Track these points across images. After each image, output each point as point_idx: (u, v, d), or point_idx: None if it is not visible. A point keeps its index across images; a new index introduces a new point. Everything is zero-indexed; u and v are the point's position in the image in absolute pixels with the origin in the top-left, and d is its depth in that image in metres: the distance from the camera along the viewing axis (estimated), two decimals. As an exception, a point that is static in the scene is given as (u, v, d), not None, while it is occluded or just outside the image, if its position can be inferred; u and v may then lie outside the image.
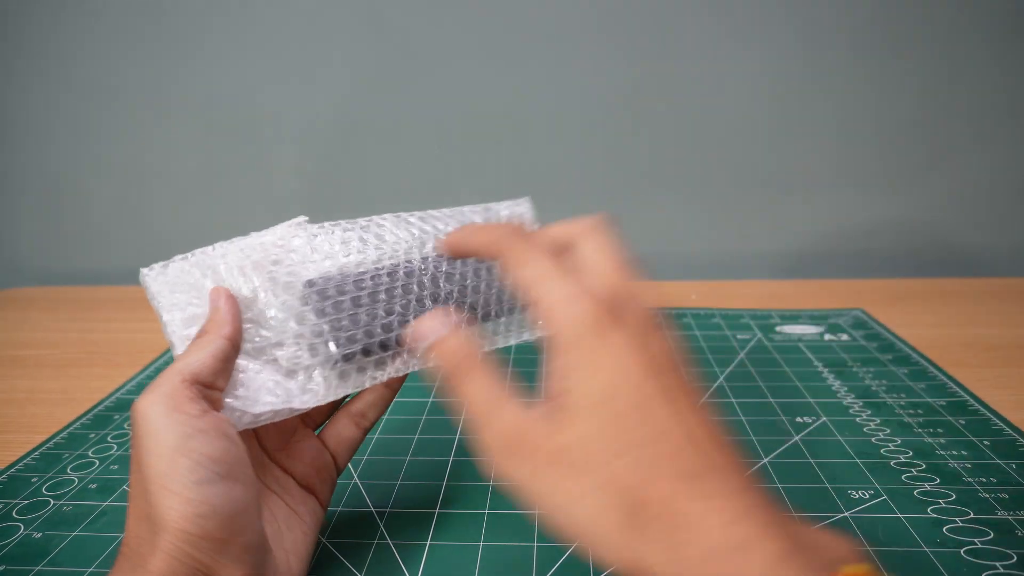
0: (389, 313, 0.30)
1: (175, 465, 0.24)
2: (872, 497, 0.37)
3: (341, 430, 0.34)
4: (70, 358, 0.58)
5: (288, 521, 0.30)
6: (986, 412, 0.45)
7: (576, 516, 0.22)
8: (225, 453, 0.26)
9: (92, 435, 0.45)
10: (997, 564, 0.31)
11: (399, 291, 0.31)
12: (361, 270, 0.32)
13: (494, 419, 0.24)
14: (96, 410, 0.49)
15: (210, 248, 0.32)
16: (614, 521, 0.21)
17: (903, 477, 0.38)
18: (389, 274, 0.32)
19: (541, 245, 0.27)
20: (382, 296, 0.31)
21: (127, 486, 0.39)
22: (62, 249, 0.81)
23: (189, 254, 0.31)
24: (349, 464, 0.41)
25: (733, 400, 0.47)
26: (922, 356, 0.54)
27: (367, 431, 0.34)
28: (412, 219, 0.35)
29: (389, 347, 0.30)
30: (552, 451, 0.22)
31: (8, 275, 0.83)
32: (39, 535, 0.35)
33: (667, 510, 0.21)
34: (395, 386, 0.34)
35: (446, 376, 0.26)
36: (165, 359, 0.57)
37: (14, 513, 0.37)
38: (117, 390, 0.52)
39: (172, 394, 0.26)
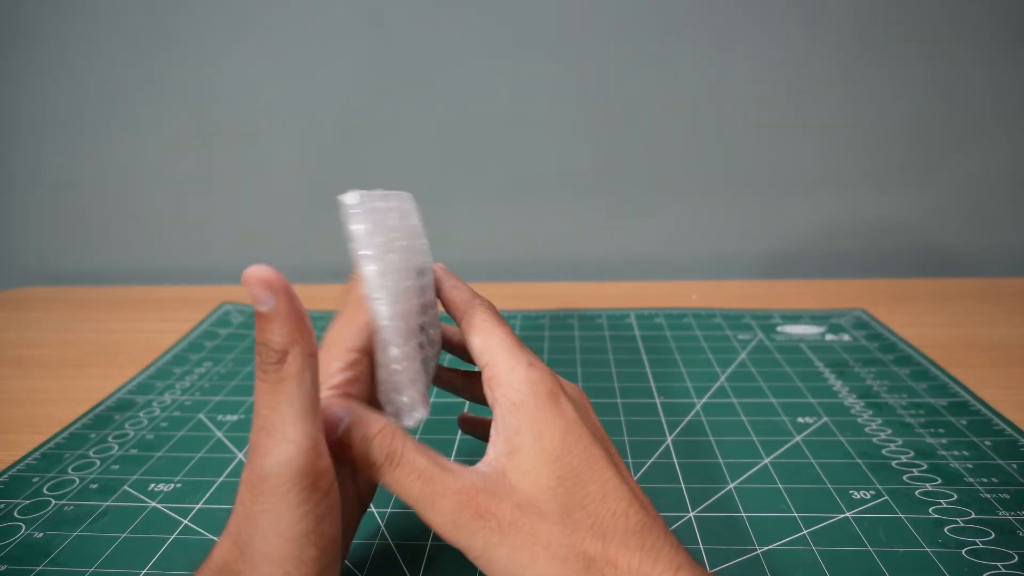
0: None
1: (302, 553, 0.21)
2: (873, 497, 0.37)
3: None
4: (70, 358, 0.58)
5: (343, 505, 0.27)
6: (988, 412, 0.45)
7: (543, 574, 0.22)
8: (341, 526, 0.23)
9: (93, 435, 0.45)
10: (999, 564, 0.31)
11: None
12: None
13: (438, 495, 0.23)
14: (97, 410, 0.49)
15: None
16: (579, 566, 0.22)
17: (904, 477, 0.38)
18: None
19: (498, 315, 0.29)
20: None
21: (128, 486, 0.39)
22: (62, 249, 0.81)
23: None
24: (350, 464, 0.41)
25: (734, 400, 0.47)
26: (924, 356, 0.54)
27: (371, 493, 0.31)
28: None
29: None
30: (507, 515, 0.23)
31: (8, 275, 0.83)
32: (40, 535, 0.35)
33: (617, 564, 0.22)
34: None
35: (366, 466, 0.24)
36: (165, 359, 0.57)
37: (15, 513, 0.37)
38: (117, 390, 0.52)
39: (317, 456, 0.21)
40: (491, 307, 0.29)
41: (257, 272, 0.21)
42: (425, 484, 0.23)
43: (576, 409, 0.26)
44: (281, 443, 0.21)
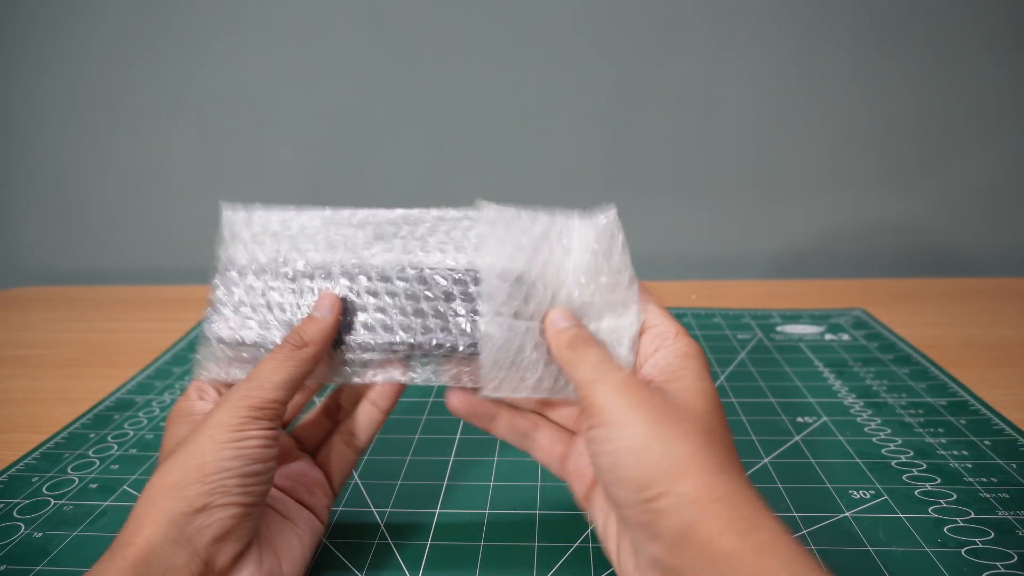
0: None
1: (223, 451, 0.27)
2: (873, 497, 0.37)
3: (333, 449, 0.34)
4: (70, 358, 0.58)
5: (279, 525, 0.30)
6: (987, 412, 0.45)
7: (672, 451, 0.24)
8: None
9: (92, 435, 0.45)
10: (998, 564, 0.31)
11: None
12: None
13: (614, 372, 0.27)
14: (96, 410, 0.49)
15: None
16: (713, 466, 0.24)
17: (904, 477, 0.38)
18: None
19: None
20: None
21: (128, 486, 0.39)
22: (62, 249, 0.81)
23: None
24: (349, 464, 0.41)
25: (734, 400, 0.47)
26: (923, 356, 0.54)
27: (360, 452, 0.34)
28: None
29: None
30: (663, 403, 0.26)
31: (8, 275, 0.83)
32: (39, 535, 0.35)
33: (741, 478, 0.25)
34: (386, 407, 0.33)
35: (568, 345, 0.29)
36: (165, 359, 0.57)
37: (15, 513, 0.37)
38: (117, 390, 0.52)
39: (273, 406, 0.29)
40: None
41: (330, 296, 0.32)
42: (605, 362, 0.28)
43: None
44: (256, 386, 0.29)
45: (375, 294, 0.32)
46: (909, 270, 0.77)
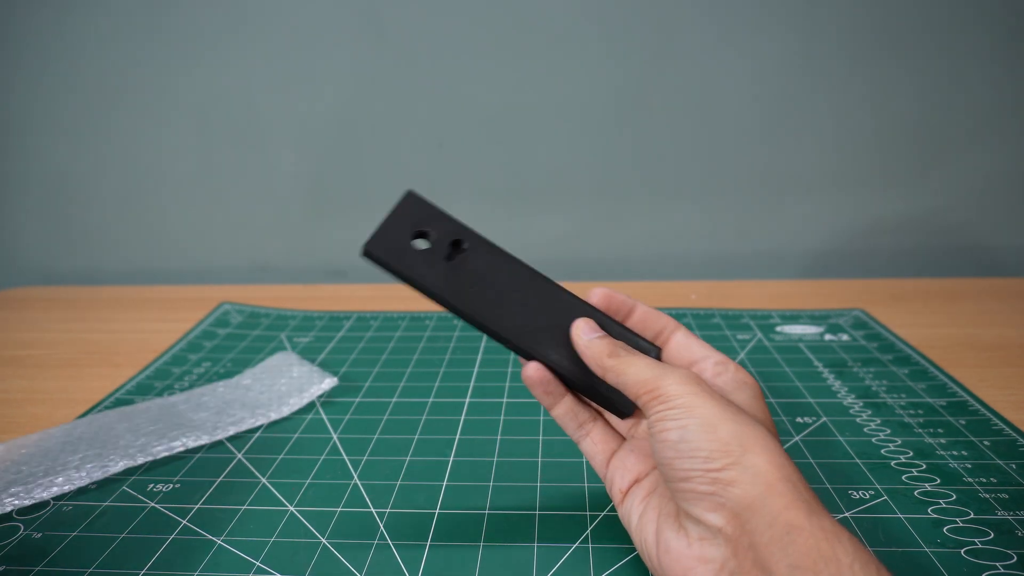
0: None
1: None
2: (873, 497, 0.37)
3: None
4: (70, 358, 0.58)
5: None
6: (986, 412, 0.45)
7: (742, 429, 0.26)
8: None
9: (92, 435, 0.45)
10: (997, 564, 0.31)
11: None
12: None
13: (678, 368, 0.29)
14: (96, 410, 0.49)
15: None
16: (780, 451, 0.26)
17: (903, 477, 0.38)
18: None
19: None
20: None
21: (127, 486, 0.39)
22: (62, 249, 0.81)
23: None
24: (349, 464, 0.41)
25: (733, 400, 0.47)
26: (922, 356, 0.54)
27: None
28: None
29: None
30: (727, 401, 0.28)
31: (8, 275, 0.83)
32: (39, 535, 0.35)
33: (803, 487, 0.25)
34: None
35: (611, 355, 0.30)
36: (164, 359, 0.57)
37: (14, 513, 0.37)
38: (117, 390, 0.52)
39: None
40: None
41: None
42: (654, 367, 0.29)
43: None
44: None
45: None
46: (909, 270, 0.77)
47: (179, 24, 0.71)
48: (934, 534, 0.34)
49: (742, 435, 0.26)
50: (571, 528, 0.35)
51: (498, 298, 0.32)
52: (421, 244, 0.32)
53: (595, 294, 0.34)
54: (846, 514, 0.35)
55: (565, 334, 0.32)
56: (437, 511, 0.37)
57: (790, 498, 0.24)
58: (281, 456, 0.42)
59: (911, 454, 0.41)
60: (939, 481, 0.38)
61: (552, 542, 0.34)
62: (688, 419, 0.26)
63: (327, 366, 0.54)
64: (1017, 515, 0.35)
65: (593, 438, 0.33)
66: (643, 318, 0.35)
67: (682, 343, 0.34)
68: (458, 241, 0.33)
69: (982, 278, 0.74)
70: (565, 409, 0.33)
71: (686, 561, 0.26)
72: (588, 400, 0.34)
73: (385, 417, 0.47)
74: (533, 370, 0.33)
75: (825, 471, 0.39)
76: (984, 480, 0.38)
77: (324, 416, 0.47)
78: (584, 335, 0.31)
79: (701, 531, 0.26)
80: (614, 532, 0.34)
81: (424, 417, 0.46)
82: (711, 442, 0.26)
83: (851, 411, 0.46)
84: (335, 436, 0.44)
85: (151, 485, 0.39)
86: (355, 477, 0.40)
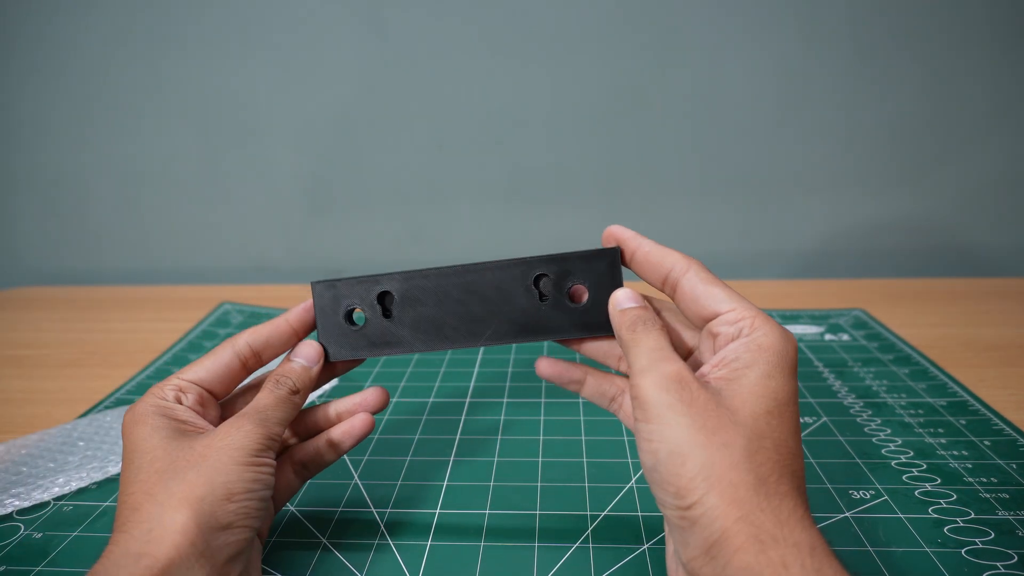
0: None
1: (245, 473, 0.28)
2: (873, 497, 0.37)
3: (280, 475, 0.33)
4: (69, 358, 0.58)
5: None
6: (987, 412, 0.45)
7: (711, 459, 0.24)
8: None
9: (92, 435, 0.45)
10: (998, 564, 0.31)
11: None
12: None
13: (665, 364, 0.27)
14: (95, 410, 0.48)
15: None
16: (748, 481, 0.24)
17: (904, 477, 0.38)
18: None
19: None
20: None
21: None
22: (62, 249, 0.81)
23: None
24: (349, 464, 0.41)
25: (733, 400, 0.47)
26: (923, 356, 0.54)
27: (305, 480, 0.34)
28: None
29: None
30: (714, 403, 0.25)
31: (8, 275, 0.83)
32: (39, 535, 0.35)
33: (784, 496, 0.24)
34: (342, 451, 0.34)
35: (629, 327, 0.29)
36: (164, 359, 0.57)
37: (14, 513, 0.37)
38: (116, 390, 0.51)
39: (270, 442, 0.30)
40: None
41: (314, 345, 0.33)
42: (661, 352, 0.27)
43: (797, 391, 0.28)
44: (264, 419, 0.30)
45: None
46: (909, 270, 0.77)
47: (179, 24, 0.71)
48: (935, 534, 0.34)
49: (709, 467, 0.24)
50: (571, 528, 0.35)
51: (453, 314, 0.32)
52: (359, 321, 0.34)
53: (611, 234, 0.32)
54: (847, 514, 0.35)
55: (531, 299, 0.32)
56: (437, 511, 0.37)
57: (742, 539, 0.23)
58: (281, 456, 0.42)
59: (911, 454, 0.41)
60: (940, 481, 0.38)
61: (552, 542, 0.34)
62: (660, 443, 0.25)
63: (327, 366, 0.54)
64: (1018, 515, 0.35)
65: (626, 410, 0.33)
66: (644, 261, 0.31)
67: (688, 294, 0.29)
68: (382, 294, 0.33)
69: (982, 278, 0.74)
70: (591, 390, 0.33)
71: None
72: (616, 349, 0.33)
73: (385, 417, 0.46)
74: (545, 367, 0.33)
75: (825, 471, 0.39)
76: (985, 480, 0.38)
77: (324, 416, 0.47)
78: (619, 304, 0.30)
79: (682, 560, 0.25)
80: (614, 532, 0.34)
81: (424, 417, 0.46)
82: (678, 477, 0.24)
83: (851, 411, 0.46)
84: (335, 436, 0.44)
85: (151, 485, 0.39)
86: (355, 477, 0.40)
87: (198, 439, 0.28)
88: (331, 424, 0.34)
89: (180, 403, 0.30)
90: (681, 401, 0.25)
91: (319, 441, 0.34)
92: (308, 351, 0.33)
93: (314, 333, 0.34)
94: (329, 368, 0.34)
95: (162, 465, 0.27)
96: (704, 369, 0.28)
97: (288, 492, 0.33)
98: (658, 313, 0.31)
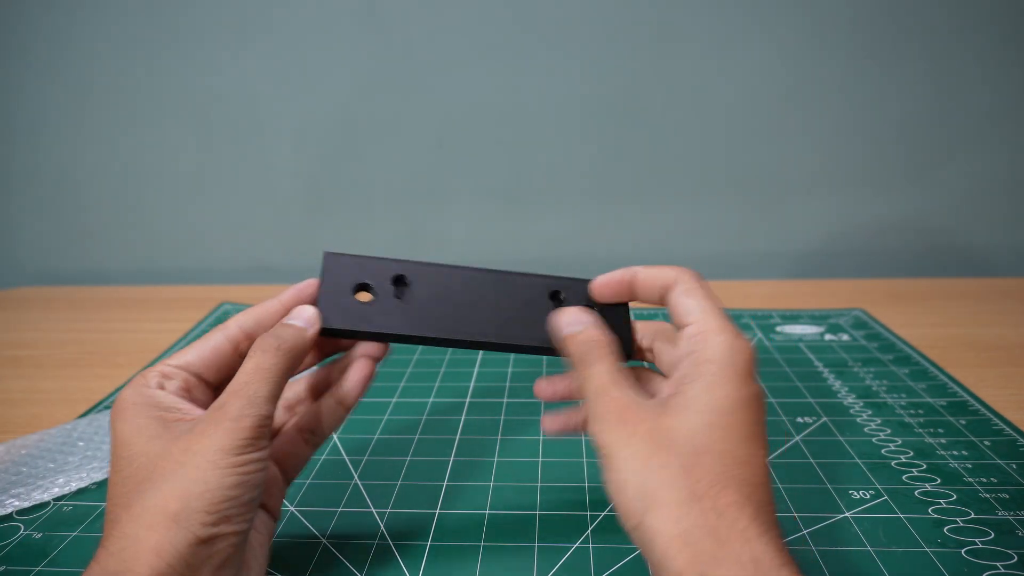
0: None
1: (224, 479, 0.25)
2: (873, 497, 0.37)
3: (289, 446, 0.32)
4: (69, 358, 0.58)
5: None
6: (986, 412, 0.45)
7: (646, 482, 0.24)
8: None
9: (92, 435, 0.45)
10: (998, 564, 0.31)
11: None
12: None
13: (613, 392, 0.27)
14: (95, 410, 0.48)
15: None
16: (682, 499, 0.24)
17: (904, 477, 0.38)
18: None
19: (707, 284, 0.31)
20: None
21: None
22: (62, 249, 0.81)
23: None
24: (349, 464, 0.41)
25: (733, 400, 0.47)
26: (923, 356, 0.54)
27: (316, 448, 0.33)
28: None
29: None
30: (653, 427, 0.26)
31: (8, 275, 0.83)
32: (39, 535, 0.35)
33: (724, 514, 0.23)
34: (349, 404, 0.32)
35: (578, 359, 0.30)
36: (163, 360, 0.57)
37: (14, 513, 0.37)
38: (116, 390, 0.51)
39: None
40: (697, 274, 0.31)
41: (310, 309, 0.31)
42: (610, 381, 0.28)
43: (761, 394, 0.27)
44: (247, 403, 0.26)
45: None
46: (909, 270, 0.77)
47: (179, 24, 0.71)
48: (935, 534, 0.34)
49: (647, 488, 0.24)
50: (571, 528, 0.35)
51: (464, 311, 0.32)
52: (364, 297, 0.32)
53: (595, 287, 0.33)
54: (847, 514, 0.35)
55: (541, 313, 0.32)
56: (437, 511, 0.37)
57: (685, 557, 0.23)
58: (281, 456, 0.42)
59: (911, 454, 0.41)
60: (939, 481, 0.38)
61: (552, 542, 0.34)
62: (608, 472, 0.25)
63: (327, 366, 0.54)
64: (1017, 515, 0.35)
65: None
66: (645, 285, 0.32)
67: (672, 308, 0.30)
68: (399, 277, 0.32)
69: (982, 278, 0.74)
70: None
71: None
72: None
73: (385, 417, 0.46)
74: (542, 389, 0.33)
75: (825, 471, 0.39)
76: (984, 480, 0.38)
77: (324, 416, 0.47)
78: (560, 331, 0.31)
79: None
80: (614, 532, 0.34)
81: (424, 417, 0.46)
82: (622, 504, 0.25)
83: (851, 411, 0.46)
84: (335, 436, 0.44)
85: (151, 485, 0.39)
86: (355, 477, 0.40)
87: (179, 438, 0.26)
88: (332, 383, 0.32)
89: (163, 389, 0.28)
90: (621, 438, 0.26)
91: (324, 403, 0.32)
92: (304, 312, 0.30)
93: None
94: (318, 347, 0.32)
95: (140, 472, 0.25)
96: (662, 386, 0.30)
97: (300, 463, 0.32)
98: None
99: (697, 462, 0.24)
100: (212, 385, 0.30)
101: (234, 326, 0.31)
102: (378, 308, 0.31)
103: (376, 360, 0.32)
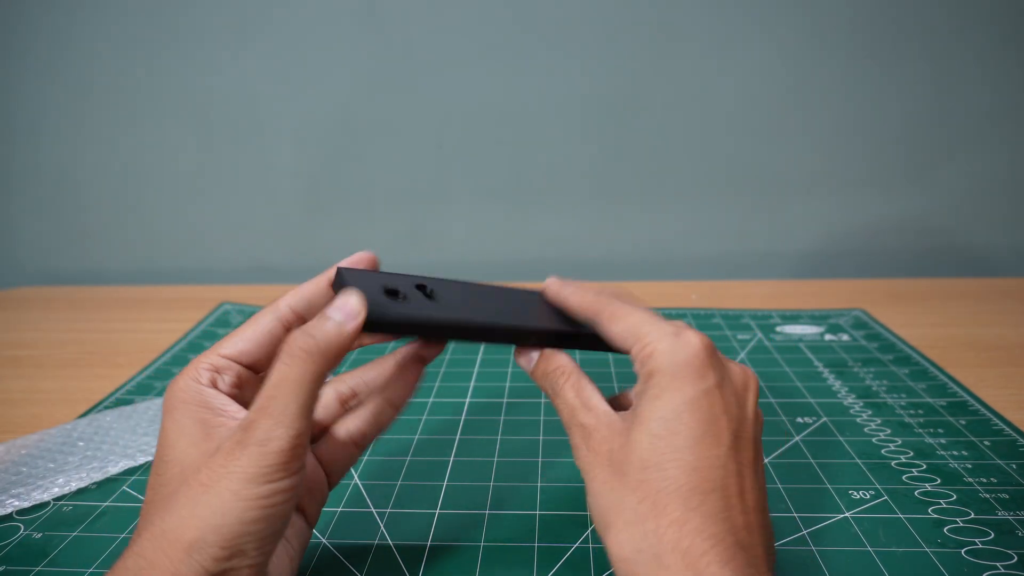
0: None
1: (245, 513, 0.24)
2: (873, 498, 0.37)
3: (337, 448, 0.30)
4: (69, 358, 0.58)
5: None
6: (986, 412, 0.45)
7: (603, 505, 0.25)
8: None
9: (92, 435, 0.45)
10: (998, 564, 0.31)
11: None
12: None
13: (579, 418, 0.28)
14: (95, 410, 0.48)
15: None
16: (628, 519, 0.24)
17: (904, 477, 0.38)
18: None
19: (631, 298, 0.31)
20: None
21: (127, 486, 0.39)
22: (62, 249, 0.81)
23: None
24: (349, 464, 0.41)
25: (733, 400, 0.47)
26: (923, 356, 0.54)
27: (364, 449, 0.31)
28: None
29: None
30: (612, 449, 0.26)
31: (8, 275, 0.83)
32: (39, 535, 0.35)
33: (673, 528, 0.23)
34: (399, 405, 0.31)
35: (547, 392, 0.30)
36: (164, 359, 0.57)
37: (14, 513, 0.37)
38: (116, 390, 0.51)
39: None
40: (620, 293, 0.31)
41: (354, 298, 0.26)
42: (577, 403, 0.28)
43: (726, 390, 0.26)
44: (275, 423, 0.24)
45: None
46: (909, 270, 0.77)
47: (179, 24, 0.71)
48: (934, 534, 0.34)
49: (603, 513, 0.25)
50: (571, 528, 0.35)
51: (488, 307, 0.32)
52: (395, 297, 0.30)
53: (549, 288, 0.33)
54: (847, 514, 0.35)
55: (544, 313, 0.33)
56: (437, 511, 0.37)
57: None
58: (281, 456, 0.42)
59: (911, 454, 0.41)
60: (939, 481, 0.38)
61: (552, 542, 0.34)
62: (586, 496, 0.27)
63: (327, 366, 0.54)
64: (1017, 515, 0.35)
65: None
66: (571, 308, 0.32)
67: (611, 342, 0.30)
68: (421, 286, 0.31)
69: (981, 278, 0.74)
70: None
71: None
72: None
73: (385, 417, 0.46)
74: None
75: (825, 471, 0.39)
76: (984, 480, 0.38)
77: (324, 416, 0.47)
78: (525, 368, 0.31)
79: None
80: (614, 532, 0.34)
81: (424, 417, 0.46)
82: (595, 520, 0.26)
83: (851, 411, 0.46)
84: (335, 436, 0.44)
85: (151, 485, 0.39)
86: (355, 477, 0.40)
87: (212, 456, 0.24)
88: (385, 380, 0.31)
89: (214, 386, 0.27)
90: (589, 462, 0.27)
91: (374, 403, 0.30)
92: (347, 303, 0.25)
93: None
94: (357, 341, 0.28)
95: (173, 481, 0.24)
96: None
97: (347, 466, 0.31)
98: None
99: (643, 480, 0.24)
100: (260, 371, 0.29)
101: (285, 306, 0.28)
102: (416, 304, 0.29)
103: (427, 362, 0.32)
